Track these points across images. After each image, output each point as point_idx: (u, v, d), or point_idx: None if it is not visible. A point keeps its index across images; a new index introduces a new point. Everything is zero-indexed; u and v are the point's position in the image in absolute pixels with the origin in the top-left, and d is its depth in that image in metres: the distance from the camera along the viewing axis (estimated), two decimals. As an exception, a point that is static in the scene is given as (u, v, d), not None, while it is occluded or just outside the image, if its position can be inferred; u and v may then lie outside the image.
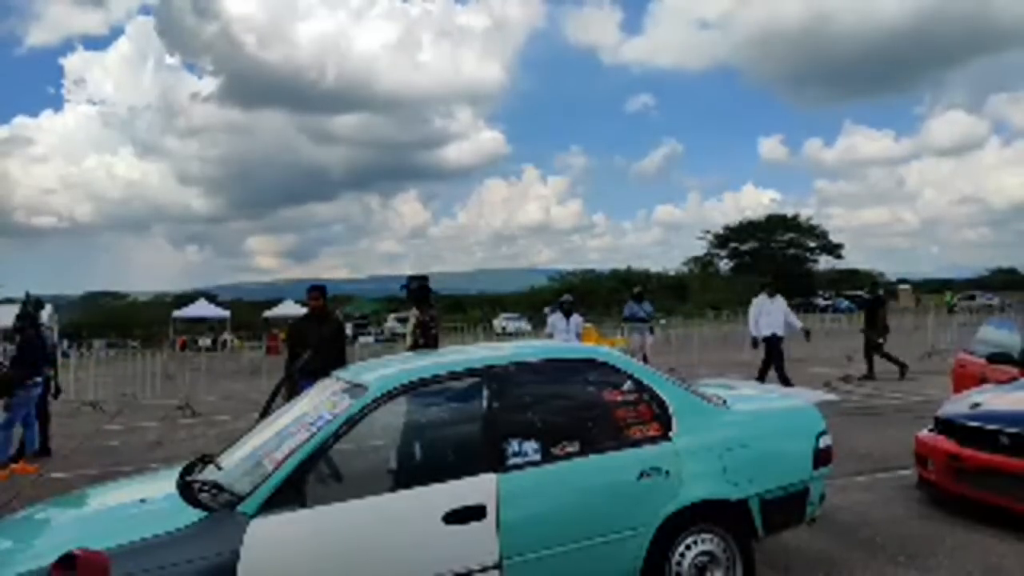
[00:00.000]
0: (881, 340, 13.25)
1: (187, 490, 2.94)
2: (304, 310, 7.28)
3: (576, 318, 11.04)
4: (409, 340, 7.02)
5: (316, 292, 6.97)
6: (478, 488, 3.14)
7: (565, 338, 10.43)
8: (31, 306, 9.39)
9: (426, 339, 6.81)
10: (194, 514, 2.85)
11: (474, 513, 3.09)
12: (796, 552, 4.42)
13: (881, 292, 14.60)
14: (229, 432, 8.86)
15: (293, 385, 5.69)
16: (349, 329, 38.44)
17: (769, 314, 11.26)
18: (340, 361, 6.47)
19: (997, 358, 6.81)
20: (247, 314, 52.14)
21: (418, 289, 7.08)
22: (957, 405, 5.60)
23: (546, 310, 15.64)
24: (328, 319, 7.00)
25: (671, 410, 3.64)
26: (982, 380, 6.58)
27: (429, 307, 7.05)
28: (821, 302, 51.84)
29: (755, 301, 11.69)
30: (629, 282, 40.31)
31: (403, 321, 42.50)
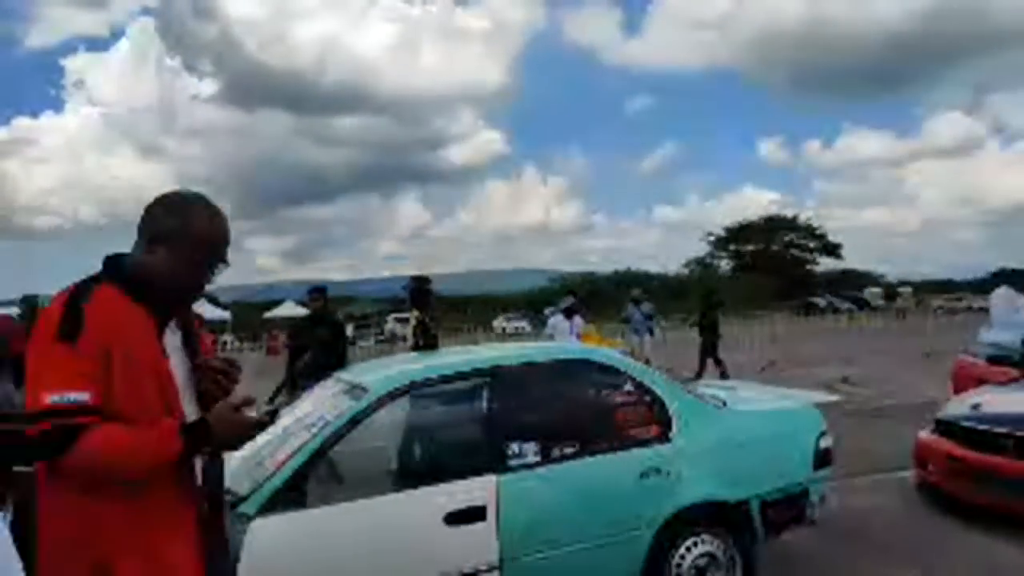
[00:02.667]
0: (714, 343, 13.59)
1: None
2: (304, 311, 7.29)
3: (577, 319, 11.03)
4: (410, 341, 7.03)
5: (316, 293, 6.98)
6: (479, 489, 3.15)
7: (566, 339, 10.43)
8: (31, 306, 9.39)
9: (426, 340, 6.81)
10: (195, 515, 2.85)
11: (475, 514, 3.09)
12: (796, 553, 4.42)
13: (715, 298, 15.33)
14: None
15: (295, 386, 5.70)
16: (349, 330, 38.46)
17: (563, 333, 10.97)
18: (341, 362, 6.49)
19: (997, 359, 6.82)
20: (248, 315, 52.14)
21: (419, 290, 7.09)
22: (957, 406, 5.61)
23: (546, 311, 15.63)
24: (328, 320, 7.01)
25: (671, 411, 3.65)
26: (982, 381, 6.58)
27: (430, 308, 7.06)
28: (821, 303, 51.85)
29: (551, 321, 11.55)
30: (629, 283, 40.36)
31: (404, 322, 42.53)
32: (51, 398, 1.57)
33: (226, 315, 45.07)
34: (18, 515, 2.76)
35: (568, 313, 10.97)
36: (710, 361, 13.57)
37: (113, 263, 1.79)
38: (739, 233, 72.64)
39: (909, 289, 59.14)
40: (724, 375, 12.78)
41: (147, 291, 1.75)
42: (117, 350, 1.64)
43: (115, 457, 1.61)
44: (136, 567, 1.62)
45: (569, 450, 3.42)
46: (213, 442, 1.74)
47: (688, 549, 3.50)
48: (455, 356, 3.96)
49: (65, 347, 1.60)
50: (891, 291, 57.11)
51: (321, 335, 6.62)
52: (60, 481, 1.62)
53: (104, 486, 1.62)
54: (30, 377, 1.63)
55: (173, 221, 1.79)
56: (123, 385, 1.63)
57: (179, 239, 1.78)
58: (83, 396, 1.58)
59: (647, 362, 10.85)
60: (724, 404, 3.99)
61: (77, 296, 1.66)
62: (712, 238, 73.37)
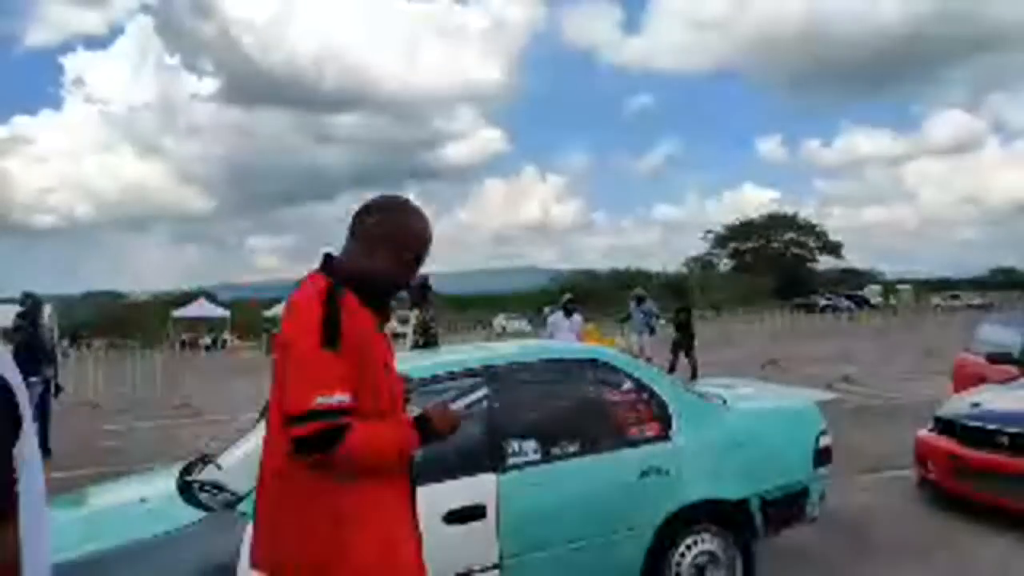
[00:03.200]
0: (689, 343, 13.83)
1: (187, 490, 2.94)
2: None
3: (577, 318, 11.02)
4: (410, 340, 7.03)
5: None
6: (478, 488, 3.14)
7: (566, 338, 10.42)
8: (30, 305, 9.39)
9: (426, 339, 6.81)
10: (194, 514, 2.85)
11: (474, 513, 3.09)
12: (796, 552, 4.42)
13: (687, 305, 15.57)
14: (229, 432, 8.86)
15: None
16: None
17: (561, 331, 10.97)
18: None
19: (997, 358, 6.81)
20: (247, 314, 52.14)
21: (418, 289, 7.08)
22: (957, 405, 5.61)
23: (546, 310, 15.65)
24: None
25: (671, 410, 3.64)
26: (982, 380, 6.58)
27: (429, 307, 7.06)
28: (821, 302, 51.92)
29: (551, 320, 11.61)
30: (629, 282, 40.35)
31: (404, 321, 42.50)
32: (319, 400, 1.72)
33: (226, 314, 45.10)
34: None
35: (567, 312, 10.97)
36: (694, 360, 13.66)
37: (333, 266, 1.92)
38: (739, 231, 72.68)
39: (908, 287, 59.20)
40: (694, 374, 12.86)
41: (370, 293, 1.89)
42: (365, 354, 1.81)
43: (373, 451, 1.81)
44: (374, 541, 1.82)
45: (569, 449, 3.42)
46: (434, 435, 1.97)
47: (688, 547, 3.50)
48: (454, 354, 3.95)
49: (330, 354, 1.75)
50: (890, 289, 57.17)
51: None
52: (315, 472, 1.76)
53: (351, 474, 1.79)
54: (291, 380, 1.77)
55: (392, 226, 1.95)
56: (365, 385, 1.80)
57: (397, 242, 1.94)
58: (345, 398, 1.74)
59: (648, 360, 10.86)
60: (724, 402, 3.99)
61: (330, 304, 1.78)
62: (711, 236, 73.42)
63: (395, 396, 1.92)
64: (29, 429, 0.93)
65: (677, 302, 15.65)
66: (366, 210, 1.99)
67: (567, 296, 11.61)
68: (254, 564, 1.92)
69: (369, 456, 1.81)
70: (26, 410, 0.86)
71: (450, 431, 2.04)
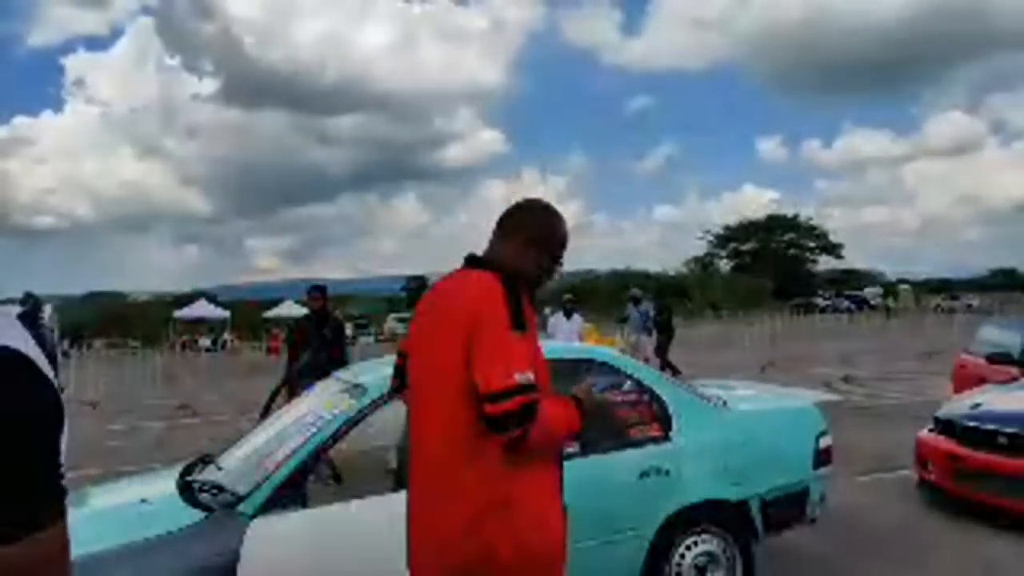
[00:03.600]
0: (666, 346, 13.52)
1: (187, 490, 2.94)
2: (304, 310, 7.28)
3: (577, 318, 11.02)
4: None
5: (317, 292, 6.97)
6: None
7: (566, 339, 10.42)
8: (31, 305, 9.40)
9: None
10: (194, 514, 2.85)
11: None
12: (796, 552, 4.42)
13: (668, 304, 15.18)
14: (229, 432, 8.87)
15: (294, 385, 5.69)
16: (349, 329, 38.42)
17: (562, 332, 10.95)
18: (341, 362, 6.49)
19: (997, 358, 6.81)
20: (247, 314, 52.14)
21: (417, 289, 7.09)
22: (957, 405, 5.61)
23: (546, 310, 15.62)
24: (328, 319, 7.01)
25: (671, 410, 3.64)
26: (982, 380, 6.58)
27: None
28: (821, 302, 51.89)
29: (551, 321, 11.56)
30: (629, 283, 40.33)
31: (404, 321, 42.50)
32: (518, 376, 1.82)
33: (226, 314, 45.08)
34: None
35: (567, 312, 10.97)
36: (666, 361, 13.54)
37: (487, 263, 2.08)
38: (739, 232, 72.66)
39: (908, 288, 59.16)
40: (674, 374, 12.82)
41: (521, 287, 2.02)
42: (534, 341, 2.00)
43: (553, 429, 1.93)
44: (538, 523, 1.90)
45: (569, 449, 3.41)
46: (585, 416, 2.05)
47: (688, 548, 3.50)
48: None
49: (519, 336, 1.90)
50: (890, 290, 57.14)
51: (321, 334, 6.62)
52: (491, 457, 1.85)
53: (519, 460, 1.88)
54: (488, 359, 1.84)
55: (543, 227, 2.14)
56: (537, 369, 1.94)
57: (546, 242, 2.13)
58: (531, 376, 1.85)
59: (646, 361, 10.85)
60: (724, 403, 3.98)
61: (512, 292, 1.94)
62: (711, 236, 73.39)
63: (546, 384, 2.02)
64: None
65: (664, 302, 15.30)
66: (516, 212, 2.18)
67: (567, 297, 11.61)
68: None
69: (550, 433, 1.92)
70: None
71: (595, 411, 2.14)
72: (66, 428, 0.81)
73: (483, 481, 1.86)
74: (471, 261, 2.12)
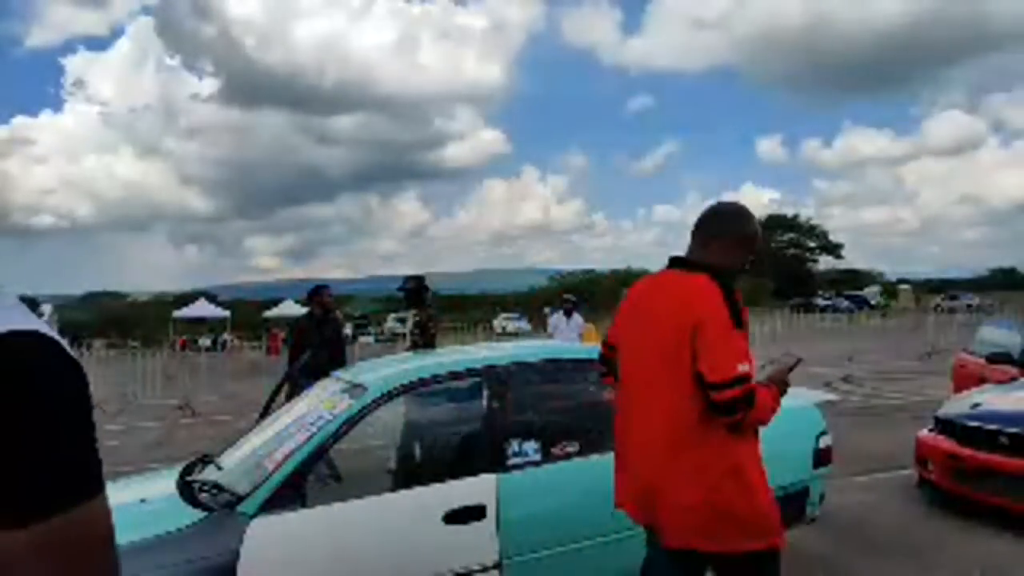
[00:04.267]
0: None
1: (187, 490, 2.94)
2: (303, 309, 7.30)
3: (577, 318, 10.99)
4: (408, 340, 7.04)
5: (328, 291, 7.04)
6: (478, 488, 3.14)
7: (567, 339, 10.41)
8: (28, 306, 9.40)
9: (424, 339, 6.82)
10: (194, 514, 2.85)
11: (474, 513, 3.09)
12: (796, 552, 4.42)
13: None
14: (229, 432, 8.87)
15: (294, 385, 5.69)
16: (349, 329, 38.43)
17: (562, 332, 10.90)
18: (340, 361, 6.50)
19: (997, 358, 6.81)
20: (247, 314, 52.15)
21: (414, 289, 7.10)
22: (957, 405, 5.61)
23: (546, 310, 15.61)
24: (330, 319, 7.03)
25: (671, 410, 3.63)
26: (982, 380, 6.58)
27: (426, 307, 7.07)
28: (821, 302, 51.88)
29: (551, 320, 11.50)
30: (629, 282, 40.28)
31: (403, 321, 42.48)
32: (740, 368, 2.16)
33: (226, 314, 45.07)
34: None
35: (567, 312, 10.94)
36: None
37: (695, 264, 2.38)
38: (739, 232, 72.65)
39: (908, 287, 59.12)
40: None
41: (730, 283, 2.31)
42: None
43: (765, 410, 2.25)
44: (758, 484, 2.28)
45: (569, 449, 3.42)
46: (783, 394, 2.42)
47: (688, 548, 3.50)
48: (455, 355, 3.95)
49: (739, 332, 2.23)
50: (889, 289, 57.09)
51: (323, 334, 6.63)
52: (718, 432, 2.22)
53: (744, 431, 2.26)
54: (714, 353, 2.17)
55: (744, 228, 2.45)
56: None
57: (749, 241, 2.45)
58: (749, 367, 2.19)
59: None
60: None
61: (729, 293, 2.25)
62: (711, 236, 73.32)
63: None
64: None
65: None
66: (717, 216, 2.47)
67: (567, 297, 11.57)
68: (630, 511, 2.50)
69: (763, 413, 2.25)
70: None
71: (783, 388, 2.45)
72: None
73: (717, 454, 2.22)
74: (678, 263, 2.44)
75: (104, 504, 0.76)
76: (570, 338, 10.31)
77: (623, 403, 2.52)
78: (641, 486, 2.38)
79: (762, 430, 3.88)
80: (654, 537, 2.46)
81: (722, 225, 2.45)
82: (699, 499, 2.20)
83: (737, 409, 2.16)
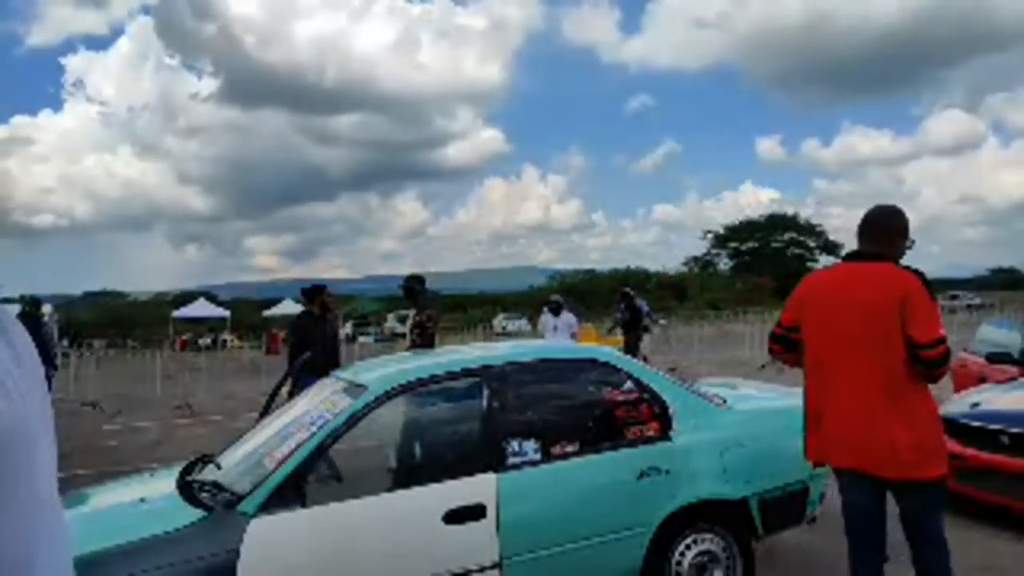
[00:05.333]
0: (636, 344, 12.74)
1: (187, 490, 2.94)
2: (303, 309, 7.31)
3: (566, 316, 10.89)
4: (408, 340, 7.05)
5: (327, 291, 7.07)
6: (478, 488, 3.14)
7: (554, 337, 10.34)
8: (30, 305, 9.40)
9: (423, 339, 6.82)
10: (194, 514, 2.85)
11: (474, 513, 3.09)
12: (796, 551, 4.42)
13: (631, 302, 13.45)
14: (229, 432, 8.86)
15: (295, 383, 5.69)
16: (349, 329, 38.43)
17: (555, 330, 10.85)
18: (336, 361, 6.52)
19: (997, 358, 6.80)
20: (247, 314, 52.11)
21: (412, 289, 7.10)
22: (957, 405, 5.60)
23: (546, 310, 15.49)
24: (328, 318, 7.05)
25: (671, 410, 3.64)
26: (982, 380, 6.58)
27: (426, 307, 7.08)
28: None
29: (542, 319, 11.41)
30: (629, 282, 40.27)
31: (403, 321, 42.45)
32: (941, 331, 2.81)
33: (226, 314, 45.04)
34: None
35: (554, 311, 10.88)
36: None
37: (880, 255, 2.97)
38: (739, 231, 72.68)
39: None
40: None
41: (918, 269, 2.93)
42: None
43: (946, 366, 2.86)
44: (938, 415, 3.02)
45: (569, 448, 3.42)
46: None
47: (688, 547, 3.50)
48: (455, 355, 3.95)
49: (936, 304, 2.87)
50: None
51: (324, 333, 6.66)
52: (920, 384, 2.86)
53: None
54: (922, 321, 2.78)
55: (904, 223, 3.05)
56: None
57: (907, 233, 3.05)
58: (944, 331, 2.83)
59: (645, 360, 10.82)
60: (724, 402, 3.98)
61: (920, 274, 2.87)
62: (711, 236, 73.38)
63: None
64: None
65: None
66: (883, 217, 3.05)
67: (554, 298, 11.47)
68: (840, 462, 3.04)
69: (947, 370, 2.89)
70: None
71: None
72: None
73: (920, 401, 2.86)
74: (855, 256, 3.03)
75: None
76: (559, 337, 10.24)
77: (820, 369, 3.04)
78: (857, 432, 2.90)
79: (762, 430, 3.92)
80: (855, 480, 3.00)
81: (888, 223, 3.04)
82: (912, 438, 2.81)
83: (940, 364, 2.79)
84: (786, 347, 3.24)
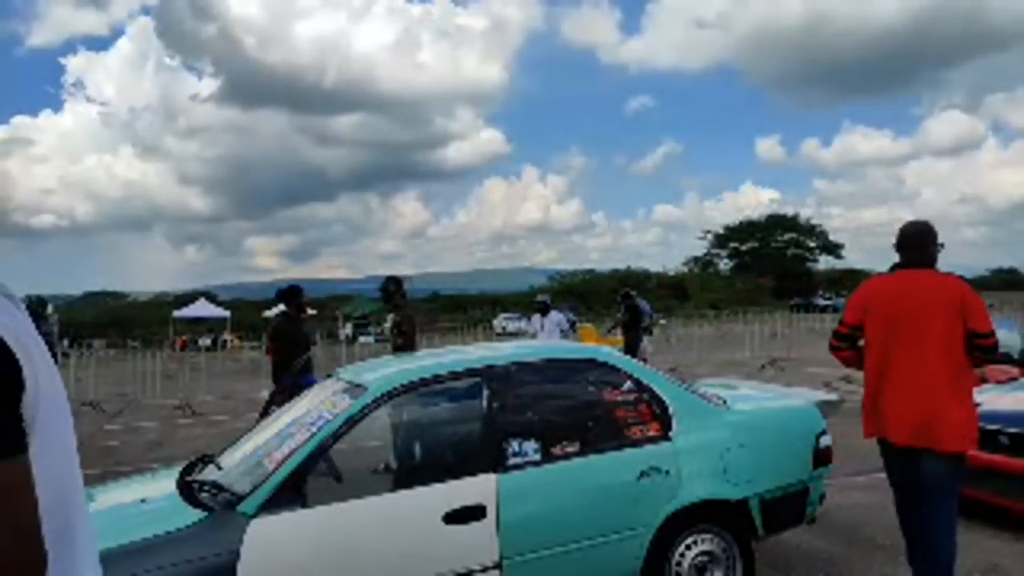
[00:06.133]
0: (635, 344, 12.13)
1: (187, 490, 2.94)
2: (301, 312, 7.32)
3: (556, 316, 10.82)
4: (391, 342, 7.07)
5: (304, 292, 7.13)
6: (478, 488, 3.15)
7: (543, 338, 10.30)
8: (38, 305, 9.41)
9: (402, 340, 6.83)
10: (194, 514, 2.85)
11: (474, 513, 3.09)
12: (796, 552, 4.42)
13: (633, 301, 12.90)
14: (229, 432, 8.86)
15: (293, 385, 5.71)
16: (349, 329, 38.36)
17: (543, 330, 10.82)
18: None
19: (997, 358, 6.79)
20: (247, 314, 52.06)
21: (388, 290, 7.12)
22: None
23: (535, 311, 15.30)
24: (303, 319, 7.16)
25: (671, 410, 3.64)
26: (982, 380, 6.57)
27: (403, 308, 7.07)
28: (821, 302, 51.83)
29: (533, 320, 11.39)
30: (629, 282, 40.25)
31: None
32: (992, 324, 3.39)
33: (226, 314, 45.03)
34: None
35: (542, 312, 10.84)
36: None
37: (927, 264, 3.54)
38: (739, 231, 72.63)
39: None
40: None
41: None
42: None
43: (997, 352, 3.49)
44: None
45: (569, 449, 3.42)
46: None
47: (688, 547, 3.50)
48: (454, 355, 3.95)
49: (985, 303, 3.48)
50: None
51: (307, 333, 6.73)
52: (968, 369, 3.43)
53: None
54: (979, 315, 3.35)
55: (935, 235, 3.58)
56: None
57: (937, 243, 3.57)
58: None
59: (645, 361, 10.78)
60: (724, 403, 3.98)
61: (965, 280, 3.49)
62: (710, 236, 73.35)
63: None
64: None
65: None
66: (918, 232, 3.57)
67: (540, 298, 11.40)
68: (900, 440, 3.45)
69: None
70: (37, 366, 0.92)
71: None
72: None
73: (971, 383, 3.46)
74: (903, 266, 3.57)
75: (23, 465, 0.86)
76: (550, 338, 10.19)
77: (884, 358, 3.51)
78: (919, 412, 3.36)
79: (762, 430, 3.93)
80: (908, 457, 3.45)
81: (924, 237, 3.56)
82: (966, 414, 3.36)
83: (995, 350, 3.37)
84: (851, 345, 3.70)
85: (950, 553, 3.38)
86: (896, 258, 3.62)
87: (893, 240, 3.62)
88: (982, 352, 3.36)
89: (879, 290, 3.65)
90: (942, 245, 3.56)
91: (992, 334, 3.33)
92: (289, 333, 6.87)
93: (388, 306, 7.27)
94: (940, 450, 3.32)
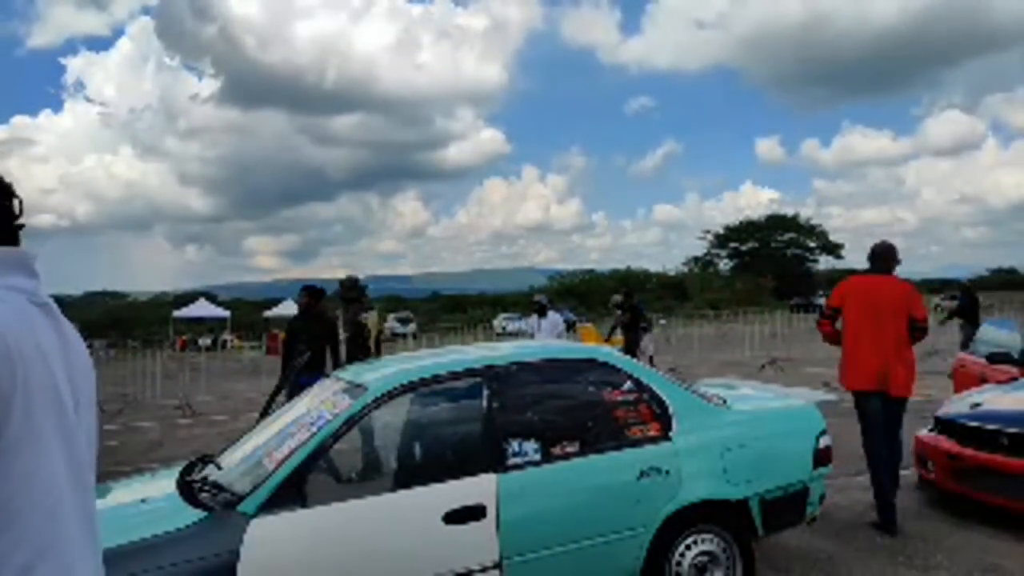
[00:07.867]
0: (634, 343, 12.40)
1: (187, 490, 2.94)
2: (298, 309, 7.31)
3: (553, 316, 10.79)
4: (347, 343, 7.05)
5: (310, 291, 7.03)
6: (478, 488, 3.15)
7: (540, 338, 10.26)
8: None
9: (366, 344, 6.81)
10: (194, 514, 2.85)
11: (474, 513, 3.09)
12: (796, 552, 4.42)
13: (633, 302, 13.01)
14: (229, 432, 8.87)
15: (294, 384, 5.70)
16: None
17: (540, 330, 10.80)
18: (336, 361, 6.53)
19: (997, 358, 6.80)
20: (247, 314, 52.07)
21: (345, 291, 7.09)
22: (957, 405, 5.60)
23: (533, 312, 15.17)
24: (325, 319, 7.04)
25: (671, 410, 3.64)
26: (982, 380, 6.57)
27: (360, 310, 7.05)
28: (821, 302, 51.79)
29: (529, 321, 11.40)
30: (629, 282, 40.22)
31: (403, 321, 42.40)
32: (927, 315, 5.04)
33: (226, 314, 45.02)
34: None
35: (540, 313, 10.81)
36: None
37: (887, 271, 5.10)
38: (739, 232, 72.59)
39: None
40: None
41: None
42: None
43: (927, 334, 5.16)
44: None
45: (569, 449, 3.42)
46: None
47: (688, 547, 3.50)
48: (455, 355, 3.95)
49: (923, 297, 5.13)
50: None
51: (315, 333, 6.66)
52: (911, 342, 4.95)
53: None
54: (919, 308, 4.94)
55: (896, 252, 5.14)
56: None
57: (897, 257, 5.17)
58: (927, 314, 5.07)
59: (650, 360, 10.78)
60: (724, 403, 3.99)
61: (910, 283, 5.10)
62: (710, 236, 73.32)
63: None
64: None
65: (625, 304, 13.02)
66: (884, 250, 5.08)
67: (536, 299, 11.35)
68: (865, 387, 4.91)
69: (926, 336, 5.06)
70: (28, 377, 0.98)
71: None
72: None
73: (910, 351, 4.86)
74: (875, 271, 5.07)
75: None
76: (543, 338, 10.15)
77: (856, 331, 4.92)
78: (879, 370, 4.79)
79: (762, 430, 3.93)
80: (872, 397, 4.87)
81: (887, 253, 5.08)
82: (906, 372, 4.83)
83: (926, 332, 4.95)
84: (831, 321, 5.16)
85: (898, 454, 5.01)
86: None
87: (896, 240, 4.99)
88: (919, 332, 4.90)
89: (855, 286, 5.15)
90: (899, 261, 5.10)
91: (925, 320, 4.93)
92: (293, 332, 6.87)
93: (345, 308, 7.21)
94: (891, 394, 4.81)
